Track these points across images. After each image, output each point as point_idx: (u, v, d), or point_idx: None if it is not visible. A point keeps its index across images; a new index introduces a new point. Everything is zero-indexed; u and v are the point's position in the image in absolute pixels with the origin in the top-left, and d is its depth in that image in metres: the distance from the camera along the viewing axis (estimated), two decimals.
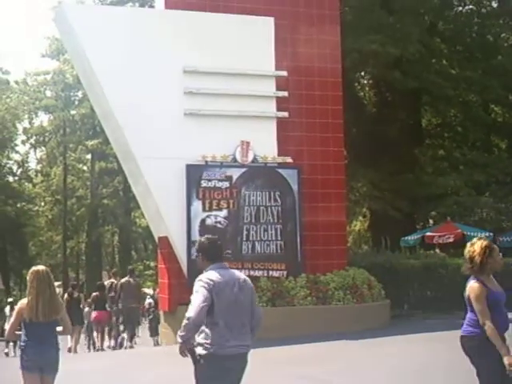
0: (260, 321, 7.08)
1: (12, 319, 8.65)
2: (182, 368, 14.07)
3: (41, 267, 8.64)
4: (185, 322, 6.59)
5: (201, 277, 6.76)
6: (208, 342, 6.60)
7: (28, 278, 8.58)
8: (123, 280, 22.34)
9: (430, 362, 13.15)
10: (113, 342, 22.45)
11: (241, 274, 7.07)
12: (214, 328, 6.60)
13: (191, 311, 6.54)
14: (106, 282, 24.06)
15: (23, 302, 8.49)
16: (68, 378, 11.98)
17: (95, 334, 22.87)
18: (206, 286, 6.62)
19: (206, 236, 7.25)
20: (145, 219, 36.61)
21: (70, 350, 20.97)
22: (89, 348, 23.22)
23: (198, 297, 6.59)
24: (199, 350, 6.67)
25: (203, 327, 6.65)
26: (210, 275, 6.71)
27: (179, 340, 6.74)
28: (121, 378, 13.53)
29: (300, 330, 17.69)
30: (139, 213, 52.90)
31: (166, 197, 18.72)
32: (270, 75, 20.03)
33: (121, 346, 21.88)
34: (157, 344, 22.08)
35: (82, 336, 23.43)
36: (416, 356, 14.14)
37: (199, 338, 6.69)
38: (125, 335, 22.24)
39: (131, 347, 21.54)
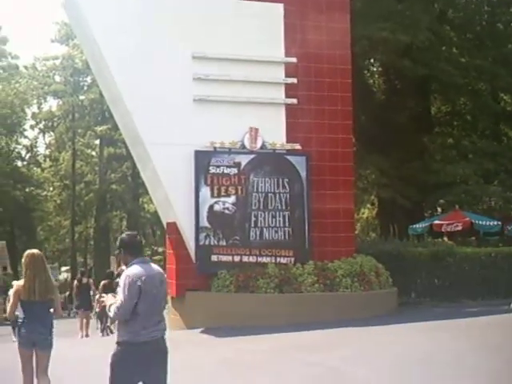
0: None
1: (11, 300, 9.10)
2: (186, 353, 14.21)
3: (36, 251, 9.33)
4: (113, 314, 6.99)
5: (127, 271, 7.04)
6: (127, 330, 6.93)
7: (24, 260, 9.10)
8: None
9: (437, 351, 13.16)
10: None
11: (158, 268, 7.38)
12: (135, 318, 6.90)
13: (119, 308, 6.90)
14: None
15: (19, 283, 9.02)
16: (77, 363, 12.09)
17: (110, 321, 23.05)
18: (132, 281, 6.90)
19: (125, 232, 7.66)
20: (153, 205, 36.63)
21: (82, 337, 21.49)
22: (102, 332, 23.32)
23: (126, 292, 6.88)
24: (118, 337, 7.04)
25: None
26: (135, 270, 7.01)
27: None
28: None
29: (307, 317, 17.67)
30: (147, 198, 53.00)
31: (174, 182, 18.75)
32: (279, 62, 20.01)
33: None
34: None
35: (93, 321, 23.83)
36: (423, 344, 14.13)
37: (119, 326, 7.06)
38: None
39: None
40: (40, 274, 8.99)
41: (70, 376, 11.40)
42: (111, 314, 7.00)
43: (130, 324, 6.89)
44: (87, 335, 22.05)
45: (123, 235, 7.44)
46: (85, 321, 22.42)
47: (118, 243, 7.43)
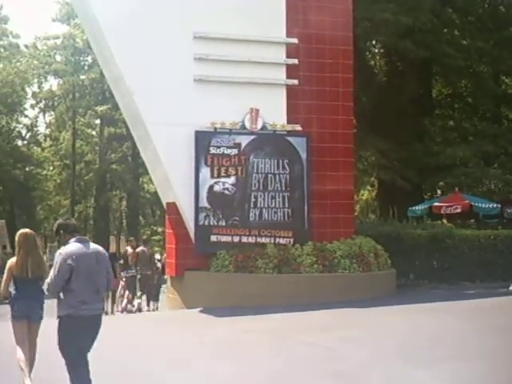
0: (110, 286, 8.43)
1: (4, 276, 9.41)
2: (185, 332, 14.29)
3: (28, 230, 9.71)
4: (45, 287, 7.71)
5: (61, 250, 7.59)
6: (66, 304, 7.44)
7: (17, 239, 9.55)
8: (138, 249, 22.79)
9: (439, 332, 13.26)
10: (120, 307, 22.97)
11: (98, 247, 7.90)
12: (71, 293, 7.41)
13: (49, 284, 7.53)
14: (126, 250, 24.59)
15: (12, 260, 9.45)
16: None
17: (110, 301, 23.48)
18: (64, 259, 7.42)
19: (60, 218, 8.53)
20: (153, 185, 36.66)
21: None
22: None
23: (56, 269, 7.41)
24: (58, 312, 7.54)
25: (62, 292, 7.49)
26: (70, 248, 7.55)
27: None
28: (123, 341, 13.60)
29: (306, 298, 17.76)
30: (147, 178, 52.99)
31: (174, 163, 18.78)
32: (280, 42, 19.95)
33: (140, 310, 22.33)
34: (152, 310, 22.48)
35: None
36: (424, 325, 14.23)
37: (58, 302, 7.56)
38: (140, 301, 22.75)
39: (149, 311, 22.08)
40: (32, 252, 9.37)
41: None
42: (44, 289, 7.73)
43: (67, 299, 7.41)
44: None
45: (59, 220, 8.21)
46: None
47: (55, 227, 8.03)
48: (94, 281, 7.55)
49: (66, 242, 7.68)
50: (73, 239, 7.64)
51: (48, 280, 7.56)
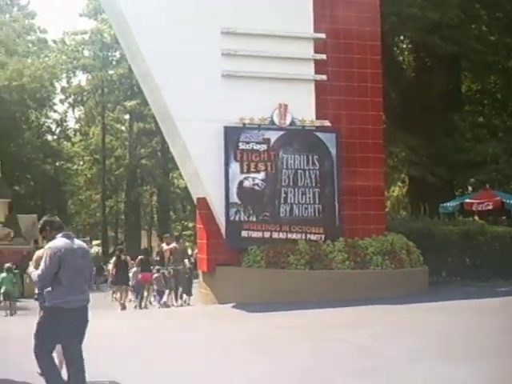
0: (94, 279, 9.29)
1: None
2: (217, 328, 14.31)
3: None
4: (34, 279, 8.00)
5: (49, 244, 7.95)
6: (54, 296, 7.78)
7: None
8: (171, 245, 23.48)
9: (474, 329, 13.13)
10: (154, 301, 24.16)
11: (82, 243, 8.36)
12: (59, 286, 7.75)
13: (39, 276, 7.84)
14: (161, 247, 25.46)
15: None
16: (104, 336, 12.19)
17: (145, 293, 24.55)
18: (53, 253, 7.78)
19: (45, 216, 8.77)
20: (183, 180, 36.73)
21: (123, 307, 23.20)
22: (136, 307, 24.25)
23: (46, 261, 7.77)
24: (46, 303, 7.93)
25: (50, 286, 7.85)
26: (57, 243, 7.91)
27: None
28: (154, 337, 13.63)
29: (337, 294, 17.68)
30: (177, 173, 53.03)
31: (203, 158, 18.81)
32: (308, 37, 19.94)
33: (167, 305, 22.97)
34: (185, 304, 22.94)
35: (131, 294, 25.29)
36: (454, 323, 14.10)
37: (46, 294, 7.93)
38: (172, 295, 23.61)
39: (182, 305, 22.65)
40: None
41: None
42: (33, 279, 8.02)
43: (55, 291, 7.76)
44: (124, 308, 23.28)
45: (45, 218, 8.52)
46: (124, 295, 23.89)
47: (40, 224, 8.35)
48: (81, 274, 7.96)
49: (52, 238, 8.02)
50: (59, 235, 8.01)
51: (39, 272, 7.86)
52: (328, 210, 19.32)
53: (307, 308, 15.96)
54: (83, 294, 7.99)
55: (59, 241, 7.92)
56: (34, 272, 8.11)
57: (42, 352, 7.85)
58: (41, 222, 8.41)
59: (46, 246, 7.95)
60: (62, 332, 7.83)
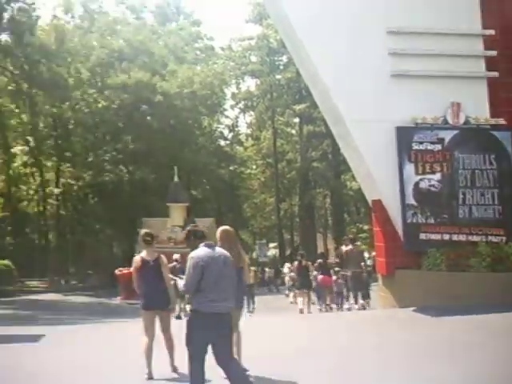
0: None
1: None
2: (401, 332, 14.02)
3: (228, 227, 10.80)
4: (181, 289, 8.65)
5: (191, 254, 8.42)
6: (196, 301, 8.29)
7: (219, 235, 10.46)
8: (347, 248, 23.40)
9: None
10: (334, 304, 24.58)
11: (222, 251, 8.66)
12: (200, 292, 8.22)
13: (185, 285, 8.38)
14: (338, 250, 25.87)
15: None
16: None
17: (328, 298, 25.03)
18: (195, 262, 8.28)
19: (189, 225, 9.42)
20: (356, 182, 36.56)
21: (301, 311, 23.14)
22: (320, 309, 24.95)
23: (190, 271, 8.28)
24: (191, 306, 8.52)
25: (195, 292, 8.34)
26: (199, 252, 8.39)
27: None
28: (340, 339, 13.53)
29: None
30: (350, 175, 52.93)
31: (376, 160, 18.63)
32: (476, 34, 19.41)
33: (349, 308, 23.20)
34: (362, 308, 22.69)
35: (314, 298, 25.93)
36: None
37: (191, 299, 8.49)
38: (351, 299, 23.76)
39: (360, 309, 22.40)
40: (232, 246, 10.17)
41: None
42: (179, 287, 8.82)
43: (196, 297, 8.26)
44: (309, 312, 23.47)
45: (189, 227, 9.09)
46: (306, 299, 23.98)
47: (185, 234, 8.92)
48: (222, 281, 8.31)
49: (195, 247, 8.51)
50: (202, 244, 8.50)
51: (184, 281, 8.42)
52: (508, 211, 18.64)
53: (489, 311, 15.32)
54: (226, 300, 8.33)
55: (201, 250, 8.40)
56: (179, 281, 8.91)
57: (191, 357, 8.26)
58: (185, 231, 9.05)
59: (189, 256, 8.41)
60: (203, 335, 8.20)
